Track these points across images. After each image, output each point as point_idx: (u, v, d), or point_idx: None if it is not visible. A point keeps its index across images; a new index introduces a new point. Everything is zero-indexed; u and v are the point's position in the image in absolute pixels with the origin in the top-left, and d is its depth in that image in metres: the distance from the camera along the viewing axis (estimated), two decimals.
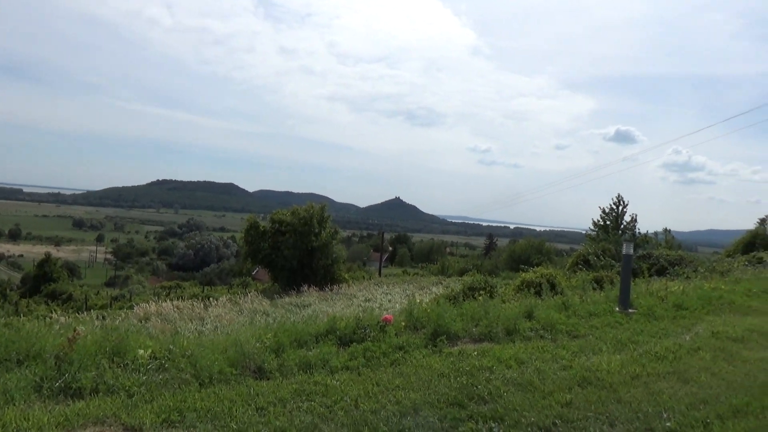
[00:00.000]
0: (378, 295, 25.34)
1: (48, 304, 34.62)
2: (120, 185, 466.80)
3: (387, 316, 6.84)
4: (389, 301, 22.70)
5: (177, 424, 4.01)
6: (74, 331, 5.10)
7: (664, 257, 18.17)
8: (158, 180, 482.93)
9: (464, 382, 5.07)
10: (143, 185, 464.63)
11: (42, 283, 49.32)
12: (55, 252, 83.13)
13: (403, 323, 6.89)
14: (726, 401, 4.75)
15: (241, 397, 4.53)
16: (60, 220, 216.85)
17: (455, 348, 6.32)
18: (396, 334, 6.48)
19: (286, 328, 6.35)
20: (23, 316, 18.71)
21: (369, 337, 6.32)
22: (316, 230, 32.35)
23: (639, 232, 32.36)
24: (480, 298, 9.41)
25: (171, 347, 5.49)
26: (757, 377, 5.50)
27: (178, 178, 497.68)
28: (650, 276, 13.63)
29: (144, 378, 4.77)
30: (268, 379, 5.10)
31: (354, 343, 6.16)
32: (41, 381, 4.52)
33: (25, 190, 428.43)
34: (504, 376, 5.28)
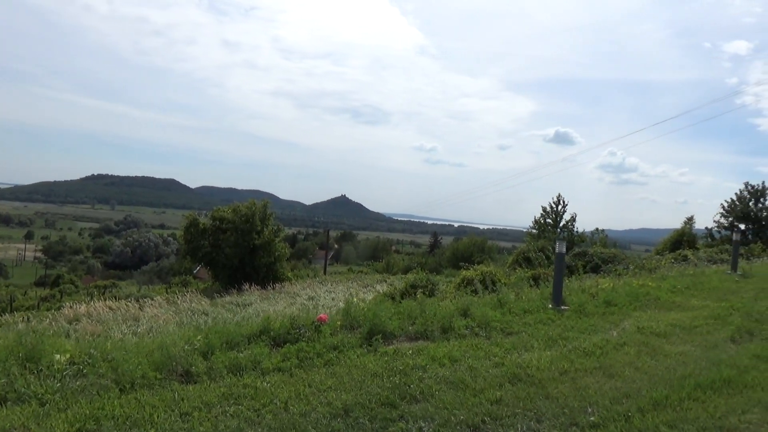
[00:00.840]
0: (321, 294, 25.18)
1: None
2: (51, 180, 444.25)
3: (322, 315, 6.74)
4: (332, 299, 22.57)
5: None
6: None
7: (598, 255, 18.86)
8: (93, 175, 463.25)
9: (397, 381, 5.04)
10: (77, 180, 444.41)
11: None
12: None
13: (339, 322, 6.80)
14: (647, 395, 4.91)
15: (164, 403, 4.33)
16: None
17: (390, 347, 6.28)
18: (331, 334, 6.39)
19: (218, 329, 6.15)
20: None
21: (304, 337, 6.20)
22: (259, 228, 31.88)
23: (576, 231, 33.67)
24: (419, 296, 9.42)
25: (92, 351, 5.22)
26: (676, 370, 5.73)
27: (115, 173, 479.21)
28: (585, 273, 14.05)
29: (59, 385, 4.50)
30: (195, 383, 4.90)
31: (288, 344, 6.02)
32: None
33: None
34: (437, 374, 5.29)
